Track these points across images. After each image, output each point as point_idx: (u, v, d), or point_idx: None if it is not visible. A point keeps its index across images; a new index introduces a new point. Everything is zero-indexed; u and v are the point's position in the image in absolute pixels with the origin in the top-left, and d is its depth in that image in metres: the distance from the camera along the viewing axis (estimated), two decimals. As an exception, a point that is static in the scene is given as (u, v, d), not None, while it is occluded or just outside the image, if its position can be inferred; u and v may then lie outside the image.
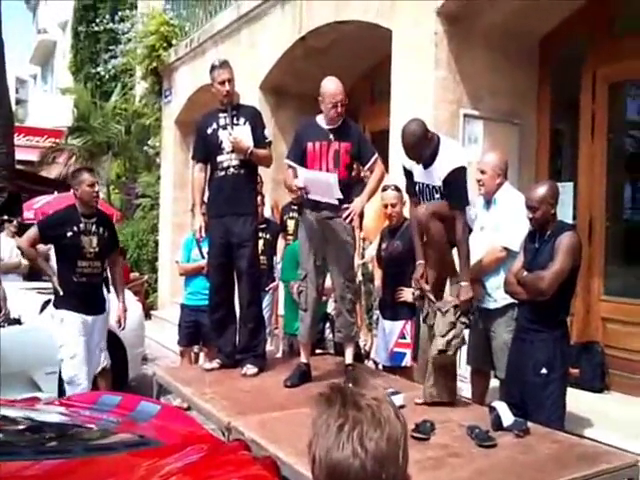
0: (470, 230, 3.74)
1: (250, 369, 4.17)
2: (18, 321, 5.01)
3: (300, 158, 3.99)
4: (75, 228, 4.48)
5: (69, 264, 4.50)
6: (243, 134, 4.17)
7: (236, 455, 2.26)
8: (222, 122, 4.25)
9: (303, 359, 4.08)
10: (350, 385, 1.15)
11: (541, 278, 3.41)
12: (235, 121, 4.24)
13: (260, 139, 4.21)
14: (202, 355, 6.08)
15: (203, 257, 5.89)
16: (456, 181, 3.53)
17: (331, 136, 3.95)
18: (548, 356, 3.45)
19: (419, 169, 3.70)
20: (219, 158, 4.26)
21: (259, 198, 5.38)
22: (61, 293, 4.52)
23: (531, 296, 3.51)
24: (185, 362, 5.96)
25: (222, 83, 4.22)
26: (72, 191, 4.66)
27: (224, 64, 4.30)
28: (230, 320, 4.42)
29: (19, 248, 4.72)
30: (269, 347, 5.32)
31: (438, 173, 3.57)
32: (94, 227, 4.57)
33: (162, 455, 2.10)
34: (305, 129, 4.06)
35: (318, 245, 3.96)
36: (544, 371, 3.43)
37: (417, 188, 3.76)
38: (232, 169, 4.23)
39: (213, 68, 4.29)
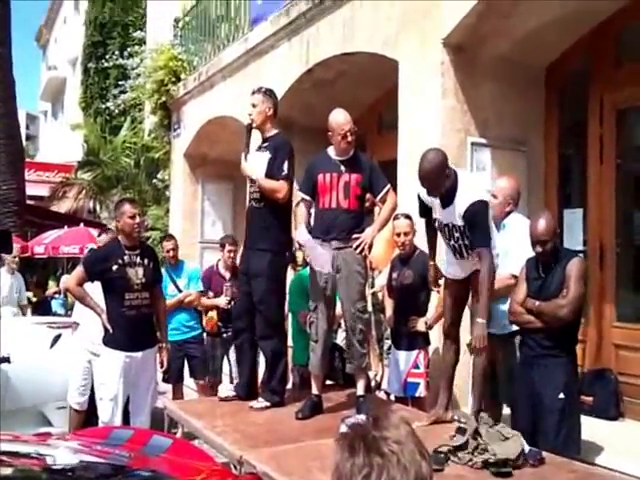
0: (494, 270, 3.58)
1: (257, 403, 4.12)
2: (7, 359, 4.89)
3: (311, 190, 4.02)
4: (120, 261, 4.45)
5: (117, 298, 4.44)
6: (257, 161, 4.16)
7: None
8: (246, 150, 4.27)
9: (315, 390, 4.03)
10: (371, 425, 1.13)
11: (561, 306, 3.39)
12: (263, 152, 4.22)
13: (275, 171, 4.09)
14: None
15: (180, 291, 5.90)
16: (475, 217, 3.43)
17: (342, 168, 3.96)
18: (565, 380, 3.42)
19: (438, 207, 3.62)
20: (250, 188, 4.29)
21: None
22: (110, 330, 4.44)
23: (550, 324, 3.48)
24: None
25: (252, 106, 4.24)
26: (114, 224, 4.66)
27: (255, 90, 4.32)
28: (247, 349, 4.36)
29: (67, 290, 4.65)
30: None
31: (458, 210, 3.48)
32: (138, 259, 4.53)
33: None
34: (316, 161, 4.09)
35: (329, 276, 3.94)
36: (562, 396, 3.39)
37: (437, 224, 3.71)
38: (253, 201, 4.22)
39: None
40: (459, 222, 3.50)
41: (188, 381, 6.11)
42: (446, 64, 5.35)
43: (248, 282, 4.24)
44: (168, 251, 6.07)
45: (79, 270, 4.58)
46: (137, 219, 4.51)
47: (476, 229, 3.44)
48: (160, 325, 4.85)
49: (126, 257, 4.48)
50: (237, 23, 9.32)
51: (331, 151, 4.04)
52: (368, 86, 7.33)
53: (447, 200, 3.52)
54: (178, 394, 5.89)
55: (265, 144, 4.25)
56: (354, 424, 1.16)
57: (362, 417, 1.19)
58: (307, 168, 4.11)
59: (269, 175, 4.10)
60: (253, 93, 4.29)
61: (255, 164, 4.16)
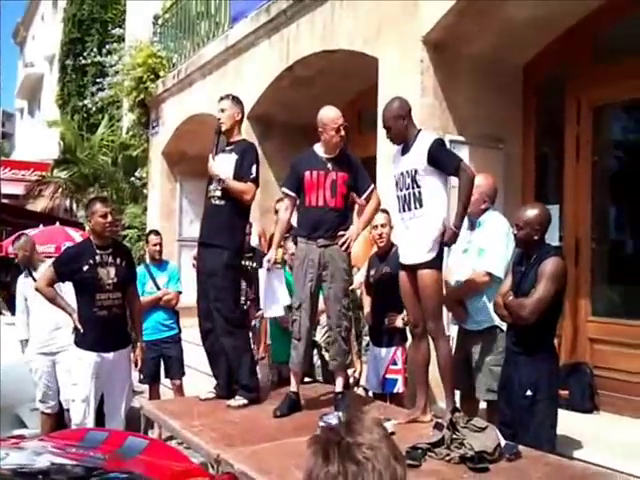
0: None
1: (234, 401, 4.10)
2: None
3: (297, 187, 4.00)
4: (91, 261, 4.37)
5: (88, 298, 4.36)
6: (225, 162, 4.21)
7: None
8: (214, 151, 4.34)
9: (293, 388, 4.02)
10: (344, 430, 1.11)
11: (523, 306, 3.40)
12: (228, 154, 4.29)
13: (243, 173, 4.21)
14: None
15: (158, 288, 5.85)
16: (439, 151, 3.58)
17: (329, 165, 3.97)
18: (533, 378, 3.43)
19: (398, 157, 3.76)
20: (209, 187, 4.32)
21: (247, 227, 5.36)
22: (82, 331, 4.37)
23: (514, 321, 3.51)
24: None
25: (219, 112, 4.35)
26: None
27: (223, 96, 4.44)
28: (220, 349, 4.33)
29: (37, 290, 4.57)
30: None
31: (420, 150, 3.59)
32: (110, 258, 4.45)
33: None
34: (302, 158, 4.08)
35: (313, 274, 3.93)
36: (529, 393, 3.41)
37: (394, 178, 3.78)
38: (213, 199, 4.27)
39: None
40: (416, 165, 3.59)
41: (165, 381, 6.04)
42: (425, 62, 5.37)
43: (205, 281, 4.26)
44: (155, 245, 6.00)
45: (49, 270, 4.50)
46: (108, 218, 4.45)
47: (442, 157, 3.59)
48: (135, 324, 4.79)
49: (97, 257, 4.40)
50: (217, 20, 9.29)
51: (318, 148, 4.03)
52: (348, 84, 7.33)
53: (407, 146, 3.69)
54: (154, 394, 5.81)
55: (230, 147, 4.32)
56: (327, 429, 1.15)
57: (335, 419, 1.17)
58: (292, 164, 4.11)
59: (237, 177, 4.19)
60: (222, 99, 4.39)
61: (223, 165, 4.22)
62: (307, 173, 3.95)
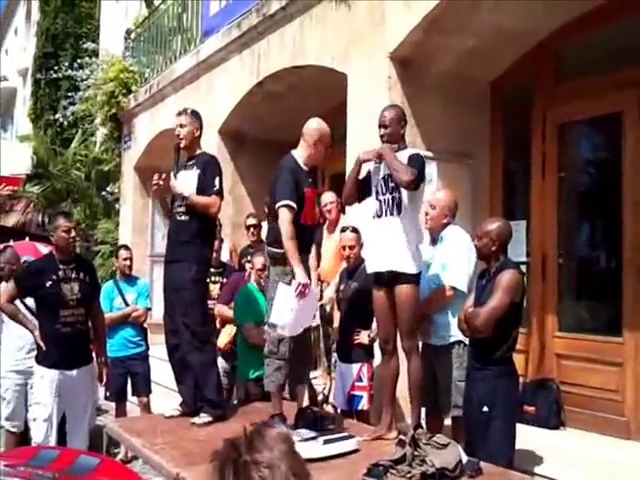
0: None
1: (199, 418, 4.04)
2: None
3: (297, 203, 3.80)
4: (54, 276, 4.32)
5: (51, 314, 4.30)
6: (187, 178, 4.18)
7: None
8: (175, 168, 4.32)
9: (277, 409, 3.87)
10: (245, 448, 1.09)
11: (476, 315, 3.44)
12: (190, 169, 4.26)
13: (207, 187, 4.17)
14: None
15: (127, 304, 5.78)
16: (414, 161, 3.61)
17: (310, 181, 3.96)
18: (489, 393, 3.44)
19: (379, 164, 3.73)
20: (173, 203, 4.30)
21: (216, 243, 5.33)
22: (44, 348, 4.31)
23: (471, 333, 3.53)
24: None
25: (175, 128, 4.32)
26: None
27: (181, 111, 4.38)
28: (187, 366, 4.28)
29: None
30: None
31: (401, 158, 3.61)
32: (74, 273, 4.40)
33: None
34: (297, 172, 3.88)
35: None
36: (485, 409, 3.42)
37: (374, 181, 3.76)
38: (177, 215, 4.24)
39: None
40: None
41: (133, 398, 5.96)
42: (393, 78, 5.41)
43: (173, 296, 4.22)
44: (125, 259, 5.95)
45: (11, 286, 4.43)
46: (72, 233, 4.40)
47: (412, 163, 3.60)
48: (98, 341, 4.73)
49: (61, 272, 4.35)
50: (189, 35, 9.29)
51: (301, 161, 3.94)
52: (319, 99, 7.34)
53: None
54: (121, 412, 5.73)
55: (191, 162, 4.29)
56: (228, 445, 1.12)
57: (237, 437, 1.14)
58: (293, 177, 3.83)
59: (200, 191, 4.16)
60: (180, 114, 4.34)
61: (185, 182, 4.19)
62: (308, 190, 3.87)
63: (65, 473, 2.58)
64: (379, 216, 3.72)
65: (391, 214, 3.65)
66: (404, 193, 3.61)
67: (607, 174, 5.47)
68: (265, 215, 6.41)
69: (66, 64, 13.00)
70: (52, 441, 4.23)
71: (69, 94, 12.89)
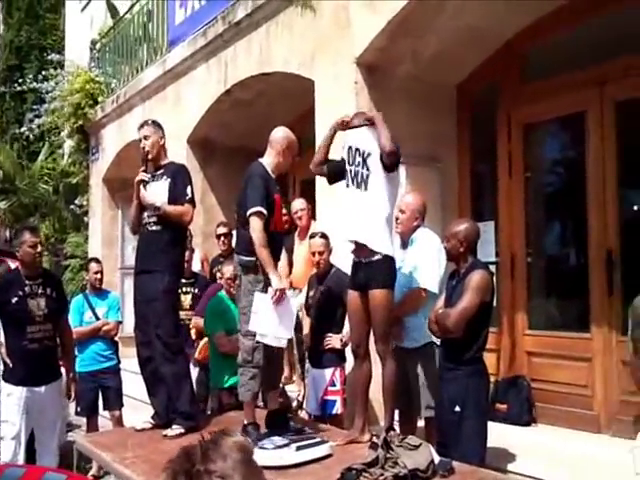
0: None
1: (171, 430, 3.98)
2: None
3: (267, 209, 3.79)
4: (20, 292, 4.25)
5: (18, 330, 4.23)
6: (158, 189, 4.14)
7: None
8: (146, 179, 4.24)
9: (250, 419, 3.80)
10: (199, 457, 1.08)
11: (447, 316, 3.45)
12: (159, 179, 4.22)
13: (178, 196, 4.14)
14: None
15: (97, 318, 5.70)
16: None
17: (278, 189, 3.99)
18: (460, 393, 3.46)
19: (354, 131, 3.72)
20: (143, 214, 4.24)
21: (187, 253, 5.28)
22: (10, 365, 4.22)
23: (442, 334, 3.54)
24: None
25: (140, 140, 4.29)
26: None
27: (143, 123, 4.37)
28: (160, 377, 4.22)
29: None
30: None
31: (369, 134, 3.63)
32: (40, 289, 4.33)
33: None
34: (267, 178, 3.88)
35: None
36: (457, 409, 3.43)
37: (345, 148, 3.74)
38: (148, 226, 4.19)
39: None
40: (366, 148, 3.60)
41: (105, 413, 5.86)
42: (360, 83, 5.42)
43: (140, 309, 4.18)
44: (96, 272, 5.86)
45: None
46: (38, 248, 4.33)
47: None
48: (66, 356, 4.65)
49: (27, 288, 4.28)
50: (155, 45, 9.23)
51: (268, 166, 3.94)
52: (287, 106, 7.35)
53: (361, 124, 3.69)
54: (93, 427, 5.63)
55: (160, 172, 4.25)
56: (182, 454, 1.10)
57: (192, 446, 1.12)
58: (264, 183, 3.82)
59: (172, 201, 4.12)
60: (142, 126, 4.32)
61: (155, 192, 4.15)
62: (277, 197, 3.88)
63: (30, 490, 2.51)
64: (347, 186, 3.73)
65: (359, 188, 3.64)
66: (374, 171, 3.59)
67: (572, 173, 5.55)
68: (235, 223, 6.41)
69: (31, 76, 12.80)
70: (20, 459, 4.14)
71: (35, 107, 12.69)
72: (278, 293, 3.63)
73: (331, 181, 3.97)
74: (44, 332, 4.31)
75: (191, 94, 7.93)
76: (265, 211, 3.72)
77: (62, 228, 13.22)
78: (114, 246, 10.29)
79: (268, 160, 3.96)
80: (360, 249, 3.66)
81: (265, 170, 3.91)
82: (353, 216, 3.68)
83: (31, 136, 13.07)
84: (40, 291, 4.33)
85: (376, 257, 3.58)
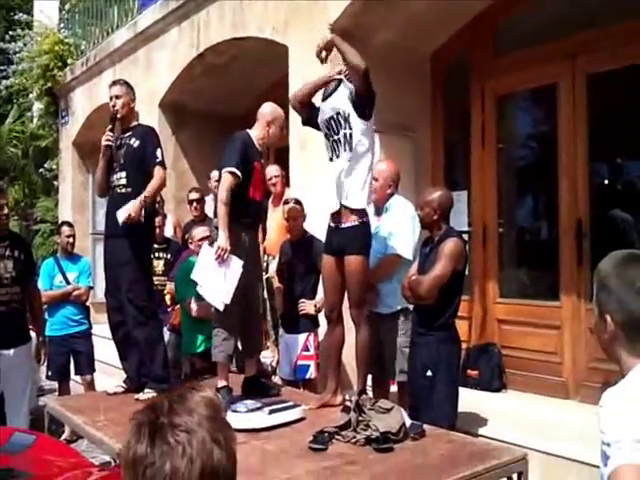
0: None
1: (143, 394, 3.99)
2: None
3: (244, 174, 3.76)
4: None
5: None
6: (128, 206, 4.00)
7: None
8: (112, 144, 4.20)
9: (223, 382, 3.80)
10: (165, 409, 1.07)
11: (420, 283, 3.52)
12: (128, 140, 4.18)
13: (148, 158, 4.11)
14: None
15: (68, 283, 5.68)
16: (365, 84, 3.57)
17: (261, 160, 3.99)
18: (432, 358, 3.53)
19: (327, 101, 3.75)
20: (111, 178, 4.20)
21: (159, 218, 5.26)
22: None
23: (414, 300, 3.61)
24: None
25: (110, 99, 4.25)
26: None
27: (115, 82, 4.33)
28: (131, 342, 4.24)
29: None
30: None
31: (348, 87, 3.64)
32: (7, 251, 4.30)
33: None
34: (248, 144, 3.86)
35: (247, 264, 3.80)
36: (429, 373, 3.51)
37: (323, 123, 3.74)
38: (117, 188, 4.16)
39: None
40: (346, 108, 3.60)
41: (77, 377, 5.87)
42: (335, 50, 5.36)
43: (111, 274, 4.18)
44: (68, 236, 5.83)
45: None
46: (4, 210, 4.29)
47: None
48: (35, 320, 4.63)
49: None
50: (126, 7, 9.02)
51: (255, 137, 3.92)
52: (262, 72, 7.27)
53: (336, 85, 3.73)
54: (64, 391, 5.65)
55: (128, 134, 4.21)
56: (148, 407, 1.09)
57: (159, 399, 1.12)
58: (242, 148, 3.79)
59: (141, 162, 4.10)
60: (114, 84, 4.29)
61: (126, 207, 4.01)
62: (257, 164, 3.87)
63: (-1, 451, 2.54)
64: (331, 159, 3.72)
65: (344, 150, 3.63)
66: (355, 127, 3.58)
67: (544, 144, 5.60)
68: (209, 189, 6.38)
69: (-1, 37, 12.48)
70: None
71: (2, 67, 12.38)
72: (220, 251, 3.61)
73: (304, 123, 3.97)
74: (11, 295, 4.29)
75: (163, 58, 7.79)
76: (239, 173, 3.71)
77: (32, 192, 13.03)
78: (85, 211, 10.15)
79: (254, 133, 3.96)
80: (339, 214, 3.66)
81: (249, 138, 3.91)
82: (340, 183, 3.65)
83: (-1, 98, 12.78)
84: (7, 253, 4.30)
85: (353, 223, 3.60)
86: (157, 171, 4.09)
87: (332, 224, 3.73)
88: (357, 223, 3.60)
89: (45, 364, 4.86)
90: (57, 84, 10.30)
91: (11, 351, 4.26)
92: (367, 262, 3.67)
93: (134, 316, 4.10)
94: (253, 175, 3.83)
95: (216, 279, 3.67)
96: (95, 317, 6.04)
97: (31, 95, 11.37)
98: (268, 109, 4.00)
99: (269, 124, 3.92)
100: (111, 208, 4.21)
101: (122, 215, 3.93)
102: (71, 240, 5.83)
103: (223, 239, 3.63)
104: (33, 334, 4.69)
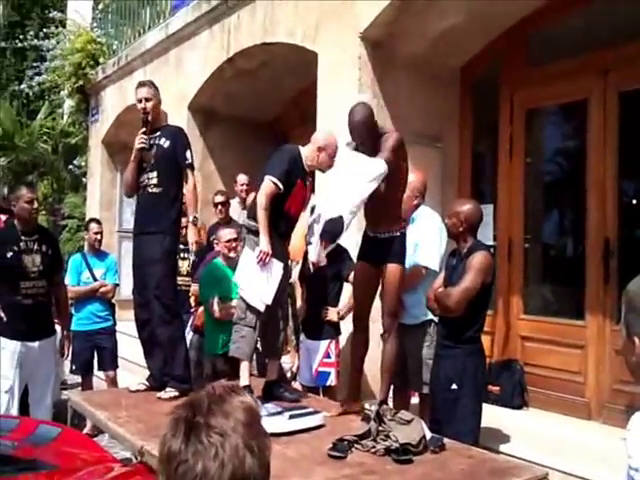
0: None
1: (165, 393, 4.05)
2: None
3: (285, 188, 3.82)
4: (15, 247, 4.29)
5: (12, 286, 4.26)
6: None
7: (135, 477, 2.18)
8: (146, 146, 4.24)
9: (245, 381, 3.85)
10: (204, 409, 1.07)
11: (448, 295, 3.50)
12: (158, 141, 4.23)
13: (181, 161, 4.19)
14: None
15: (95, 279, 5.76)
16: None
17: (307, 180, 4.01)
18: (458, 371, 3.51)
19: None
20: (141, 177, 4.26)
21: (184, 219, 5.31)
22: (4, 319, 4.27)
23: (442, 312, 3.60)
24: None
25: (139, 101, 4.28)
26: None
27: (143, 83, 4.36)
28: (157, 340, 4.29)
29: None
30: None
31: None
32: (36, 245, 4.37)
33: (55, 478, 2.01)
34: (297, 162, 3.91)
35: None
36: (454, 387, 3.49)
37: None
38: (148, 188, 4.22)
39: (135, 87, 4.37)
40: None
41: (100, 373, 5.95)
42: (363, 58, 5.39)
43: (139, 272, 4.23)
44: (96, 233, 5.92)
45: None
46: (34, 204, 4.36)
47: None
48: (61, 314, 4.70)
49: (22, 243, 4.31)
50: (158, 8, 9.12)
51: (304, 156, 3.95)
52: (291, 77, 7.32)
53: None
54: (87, 386, 5.73)
55: (157, 134, 4.26)
56: (187, 404, 1.10)
57: (200, 397, 1.12)
58: (290, 162, 3.86)
59: (173, 162, 4.18)
60: (141, 86, 4.31)
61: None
62: (299, 181, 3.91)
63: (24, 442, 2.59)
64: None
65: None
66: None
67: (572, 161, 5.56)
68: (235, 192, 6.44)
69: (32, 33, 12.67)
70: (14, 413, 4.20)
71: (35, 64, 12.59)
72: (262, 255, 3.70)
73: None
74: (38, 288, 4.35)
75: (193, 60, 7.87)
76: (280, 184, 3.77)
77: (60, 188, 13.22)
78: (112, 208, 10.27)
79: (305, 152, 3.98)
80: (378, 225, 3.70)
81: (299, 155, 3.95)
82: None
83: (31, 94, 12.98)
84: (35, 247, 4.37)
85: (396, 233, 3.64)
86: (189, 178, 4.19)
87: (371, 233, 3.74)
88: (399, 234, 3.65)
89: (69, 358, 4.93)
90: (88, 82, 10.45)
91: (36, 344, 4.33)
92: (404, 271, 3.69)
93: (160, 314, 4.15)
94: (293, 190, 3.88)
95: (258, 282, 3.76)
96: (120, 314, 6.11)
97: (62, 92, 11.54)
98: (322, 135, 4.01)
99: (320, 150, 3.92)
100: (141, 207, 4.28)
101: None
102: (99, 237, 5.92)
103: (265, 243, 3.71)
104: (58, 328, 4.76)
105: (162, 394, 4.05)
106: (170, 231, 4.20)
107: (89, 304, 5.71)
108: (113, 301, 5.98)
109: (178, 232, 4.38)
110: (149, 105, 4.23)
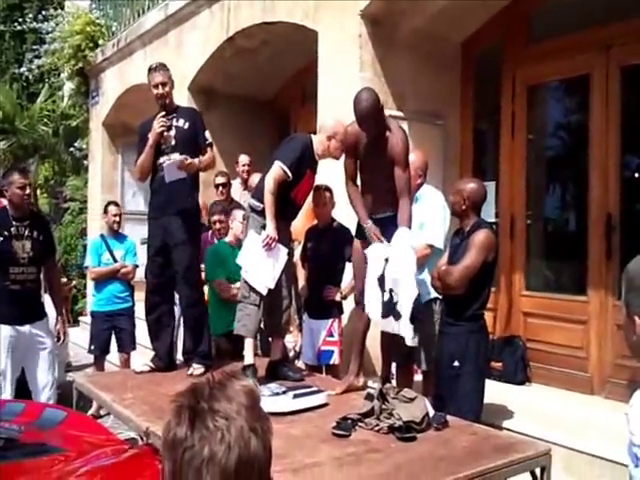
0: None
1: (197, 369, 4.11)
2: None
3: (294, 176, 3.83)
4: (6, 232, 4.29)
5: (1, 271, 4.27)
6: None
7: (142, 459, 2.21)
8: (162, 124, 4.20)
9: (250, 360, 3.85)
10: (206, 394, 1.08)
11: (450, 273, 3.51)
12: (175, 122, 4.23)
13: (202, 142, 4.23)
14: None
15: (115, 260, 5.80)
16: None
17: (316, 170, 4.04)
18: (460, 349, 3.53)
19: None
20: (160, 159, 4.23)
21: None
22: None
23: (444, 290, 3.61)
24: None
25: (155, 86, 4.23)
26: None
27: (157, 67, 4.31)
28: (166, 322, 4.37)
29: None
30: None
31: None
32: (27, 231, 4.36)
33: (63, 461, 2.03)
34: (307, 152, 3.90)
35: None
36: (456, 364, 3.51)
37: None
38: None
39: (148, 71, 4.33)
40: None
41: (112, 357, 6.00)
42: (364, 36, 5.35)
43: (163, 254, 4.23)
44: (115, 215, 5.97)
45: None
46: (27, 190, 4.34)
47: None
48: (54, 299, 4.74)
49: (13, 229, 4.31)
50: (157, -12, 9.02)
51: (315, 145, 3.93)
52: (291, 56, 7.27)
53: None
54: (99, 367, 5.80)
55: (173, 116, 4.24)
56: (189, 390, 1.11)
57: (200, 384, 1.13)
58: (300, 151, 3.86)
59: (195, 144, 4.20)
60: (157, 70, 4.26)
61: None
62: (309, 171, 3.93)
63: (31, 426, 2.61)
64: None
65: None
66: None
67: (575, 137, 5.54)
68: (236, 173, 6.43)
69: (31, 16, 12.57)
70: (7, 396, 4.22)
71: (34, 47, 12.50)
72: (269, 239, 3.72)
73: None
74: (27, 274, 4.35)
75: (193, 40, 7.81)
76: (289, 173, 3.78)
77: (62, 171, 13.21)
78: (114, 191, 10.25)
79: (316, 139, 3.97)
80: (374, 207, 3.71)
81: (311, 144, 3.94)
82: None
83: (31, 77, 12.91)
84: (27, 233, 4.36)
85: (389, 213, 3.65)
86: (210, 152, 4.27)
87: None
88: (393, 214, 3.64)
89: (63, 341, 4.94)
90: (88, 64, 10.38)
91: (27, 327, 4.35)
92: None
93: (187, 295, 4.25)
94: (301, 179, 3.89)
95: (262, 265, 3.78)
96: (136, 295, 6.14)
97: (62, 75, 11.48)
98: (330, 122, 3.96)
99: (329, 138, 3.89)
100: (163, 190, 4.22)
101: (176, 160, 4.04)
102: (117, 219, 5.98)
103: (271, 228, 3.73)
104: (51, 311, 4.76)
105: (192, 371, 4.11)
106: (195, 212, 4.29)
107: (110, 285, 5.80)
108: (132, 283, 6.03)
109: (200, 214, 4.46)
110: (167, 90, 4.23)
